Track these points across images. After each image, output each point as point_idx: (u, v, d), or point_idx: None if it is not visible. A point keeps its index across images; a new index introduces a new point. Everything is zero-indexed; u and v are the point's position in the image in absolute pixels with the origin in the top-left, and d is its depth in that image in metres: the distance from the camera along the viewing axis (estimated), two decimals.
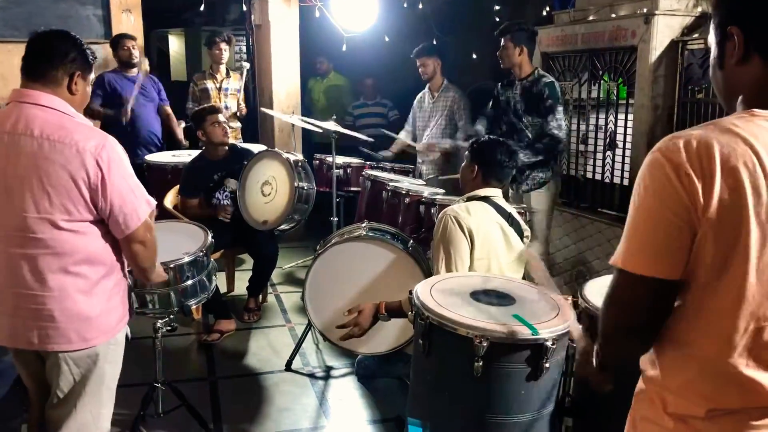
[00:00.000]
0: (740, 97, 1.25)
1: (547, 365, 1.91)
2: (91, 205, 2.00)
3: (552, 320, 1.97)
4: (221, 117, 4.29)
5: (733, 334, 1.16)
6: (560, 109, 4.10)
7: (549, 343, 1.89)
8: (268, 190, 3.98)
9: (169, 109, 5.61)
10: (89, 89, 2.20)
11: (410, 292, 2.18)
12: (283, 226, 4.00)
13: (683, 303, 1.21)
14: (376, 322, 2.59)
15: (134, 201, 2.06)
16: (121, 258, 2.18)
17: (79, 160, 1.95)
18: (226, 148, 4.38)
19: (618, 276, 1.23)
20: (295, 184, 3.81)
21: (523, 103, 4.19)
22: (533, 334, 1.88)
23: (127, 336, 2.70)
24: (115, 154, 2.03)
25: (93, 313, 2.06)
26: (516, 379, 1.92)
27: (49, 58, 2.07)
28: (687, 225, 1.14)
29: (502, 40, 4.20)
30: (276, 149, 4.12)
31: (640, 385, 1.35)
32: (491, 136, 2.89)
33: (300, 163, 4.00)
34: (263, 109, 5.99)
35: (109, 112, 5.14)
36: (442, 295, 2.09)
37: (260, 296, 4.62)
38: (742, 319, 1.15)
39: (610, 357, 1.37)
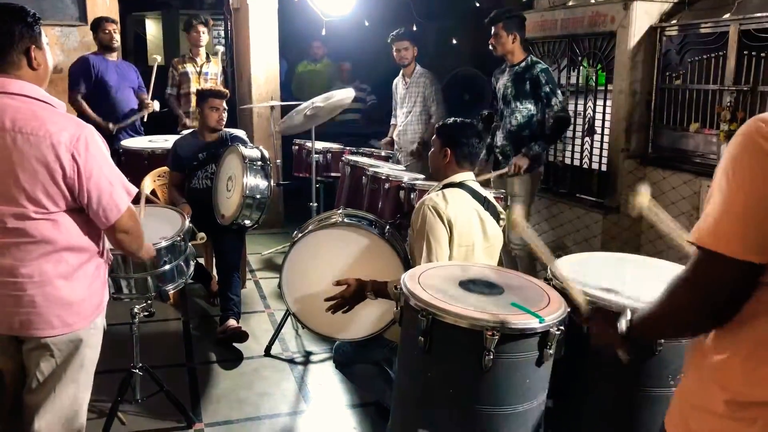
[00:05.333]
0: None
1: (550, 352, 1.92)
2: (69, 197, 1.97)
3: (549, 306, 1.98)
4: (224, 104, 4.23)
5: None
6: (559, 92, 4.13)
7: (554, 330, 1.90)
8: (231, 186, 3.91)
9: (144, 95, 5.52)
10: (49, 54, 2.07)
11: (395, 287, 2.13)
12: (247, 222, 3.84)
13: (757, 286, 1.19)
14: (362, 299, 2.59)
15: (113, 192, 2.03)
16: (102, 242, 2.15)
17: (53, 153, 1.90)
18: (218, 132, 4.32)
19: (705, 257, 1.19)
20: (244, 181, 3.68)
21: (513, 88, 4.18)
22: (540, 323, 1.88)
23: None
24: (92, 144, 1.98)
25: (75, 298, 2.04)
26: (523, 368, 1.91)
27: None
28: None
29: (493, 28, 4.16)
30: (238, 144, 3.95)
31: (692, 371, 1.32)
32: (458, 119, 2.86)
33: (258, 160, 3.80)
34: (241, 106, 5.93)
35: (98, 119, 5.07)
36: (434, 288, 2.05)
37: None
38: None
39: (667, 335, 1.34)
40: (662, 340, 1.95)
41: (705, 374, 1.28)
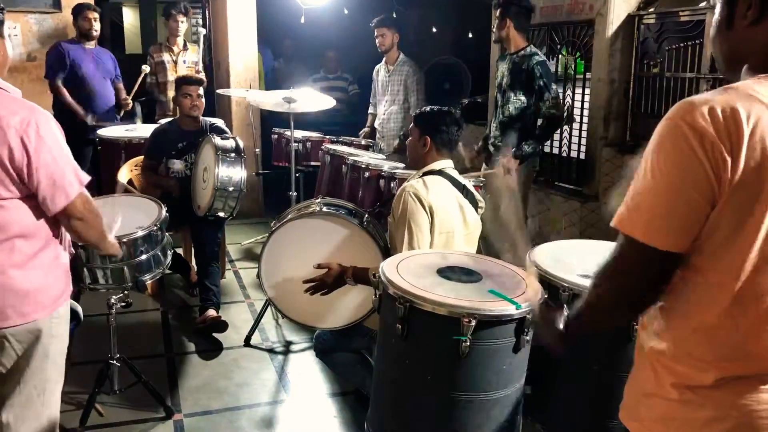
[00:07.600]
0: (745, 67, 1.21)
1: (527, 338, 1.93)
2: (19, 182, 1.91)
3: (526, 293, 1.98)
4: (201, 90, 4.18)
5: (737, 304, 1.15)
6: (554, 87, 3.97)
7: (531, 316, 1.90)
8: (206, 176, 3.87)
9: (120, 86, 5.47)
10: (8, 44, 2.05)
11: (374, 276, 2.13)
12: (221, 213, 3.83)
13: (690, 274, 1.19)
14: (342, 284, 2.59)
15: (62, 179, 1.97)
16: (59, 231, 2.10)
17: (2, 137, 1.86)
18: (198, 121, 4.29)
19: (627, 245, 1.18)
20: (216, 172, 3.65)
21: (509, 77, 4.04)
22: (517, 309, 1.89)
23: (78, 316, 2.64)
24: (43, 129, 1.92)
25: (30, 288, 1.99)
26: (500, 354, 1.92)
27: None
28: (707, 201, 1.11)
29: (500, 10, 4.02)
30: (213, 135, 3.92)
31: (640, 361, 1.32)
32: (434, 107, 2.84)
33: (231, 151, 3.77)
34: (219, 91, 5.87)
35: (78, 108, 5.04)
36: (413, 276, 2.05)
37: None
38: (747, 290, 1.14)
39: (595, 325, 1.31)
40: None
41: (651, 361, 1.28)
